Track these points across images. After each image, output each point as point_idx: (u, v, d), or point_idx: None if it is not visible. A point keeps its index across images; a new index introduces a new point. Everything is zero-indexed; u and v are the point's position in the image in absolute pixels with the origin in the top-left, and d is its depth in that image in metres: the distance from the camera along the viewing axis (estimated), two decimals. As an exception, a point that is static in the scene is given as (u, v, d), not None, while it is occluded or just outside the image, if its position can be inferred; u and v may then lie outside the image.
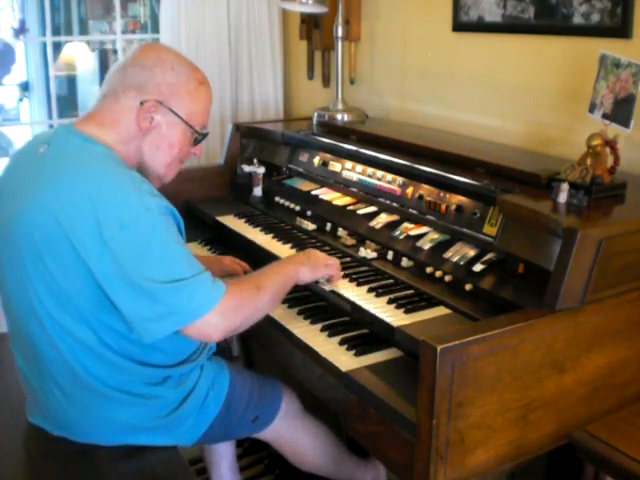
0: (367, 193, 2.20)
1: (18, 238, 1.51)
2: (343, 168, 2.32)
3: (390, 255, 1.92)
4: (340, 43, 2.73)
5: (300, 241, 2.14)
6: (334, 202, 2.27)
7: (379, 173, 2.18)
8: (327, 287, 1.79)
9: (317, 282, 1.80)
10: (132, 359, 1.57)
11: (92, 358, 1.55)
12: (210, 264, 2.02)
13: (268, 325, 1.77)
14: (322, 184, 2.39)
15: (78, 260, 1.45)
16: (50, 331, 1.54)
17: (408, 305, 1.67)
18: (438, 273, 1.77)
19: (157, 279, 1.44)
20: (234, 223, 2.36)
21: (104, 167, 1.51)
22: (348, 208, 2.21)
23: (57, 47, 5.13)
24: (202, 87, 1.67)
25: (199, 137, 1.70)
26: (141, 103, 1.58)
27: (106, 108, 1.61)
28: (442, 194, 1.94)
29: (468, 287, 1.67)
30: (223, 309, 1.49)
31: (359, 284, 1.81)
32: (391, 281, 1.82)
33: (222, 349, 1.94)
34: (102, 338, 1.54)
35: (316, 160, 2.44)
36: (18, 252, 1.52)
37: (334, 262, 1.81)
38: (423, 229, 1.94)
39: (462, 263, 1.75)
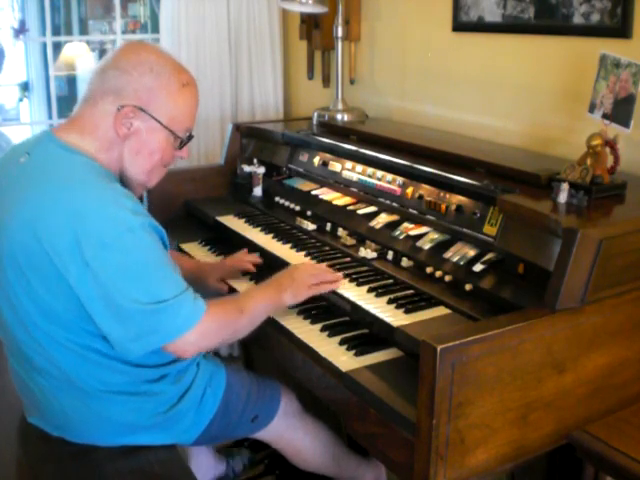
0: (367, 193, 2.20)
1: (0, 253, 1.50)
2: (343, 168, 2.32)
3: (390, 255, 1.91)
4: (340, 43, 2.73)
5: (300, 241, 2.14)
6: (334, 202, 2.27)
7: (379, 173, 2.18)
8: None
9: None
10: (127, 362, 1.57)
11: (86, 364, 1.55)
12: (213, 270, 2.00)
13: (268, 325, 1.76)
14: (322, 184, 2.39)
15: (60, 277, 1.45)
16: (40, 341, 1.54)
17: (408, 305, 1.67)
18: (438, 273, 1.76)
19: (138, 300, 1.43)
20: (234, 223, 2.36)
21: (86, 181, 1.48)
22: (348, 208, 2.21)
23: (57, 47, 5.13)
24: (185, 89, 1.60)
25: (183, 141, 1.65)
26: (118, 109, 1.53)
27: (86, 113, 1.57)
28: (442, 194, 1.94)
29: (468, 287, 1.67)
30: (202, 329, 1.49)
31: (359, 284, 1.81)
32: (391, 281, 1.82)
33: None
34: (93, 346, 1.53)
35: (316, 160, 2.44)
36: (1, 267, 1.51)
37: (318, 278, 1.75)
38: (423, 229, 1.94)
39: (462, 263, 1.75)
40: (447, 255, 1.81)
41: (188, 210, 2.63)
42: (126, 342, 1.47)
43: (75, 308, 1.48)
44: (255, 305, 1.64)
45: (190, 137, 1.67)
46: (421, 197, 2.00)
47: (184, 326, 1.47)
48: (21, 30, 4.49)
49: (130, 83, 1.54)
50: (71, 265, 1.42)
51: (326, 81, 3.13)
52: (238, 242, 2.27)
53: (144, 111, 1.55)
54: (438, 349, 1.26)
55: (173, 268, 1.53)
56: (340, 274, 1.82)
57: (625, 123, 1.65)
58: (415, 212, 2.01)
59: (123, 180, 1.60)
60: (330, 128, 2.63)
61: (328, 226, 2.18)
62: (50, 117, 3.71)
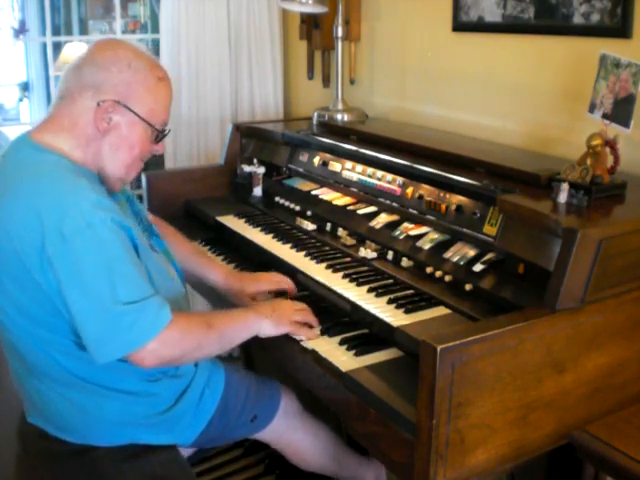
0: (367, 193, 2.20)
1: None
2: (343, 168, 2.32)
3: (390, 255, 1.91)
4: (340, 43, 2.73)
5: (300, 241, 2.14)
6: (334, 202, 2.27)
7: (379, 173, 2.18)
8: (308, 345, 1.67)
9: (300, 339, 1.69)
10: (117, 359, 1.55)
11: (75, 361, 1.55)
12: (242, 287, 1.91)
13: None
14: (322, 184, 2.39)
15: (29, 277, 1.45)
16: (27, 341, 1.54)
17: (408, 305, 1.67)
18: (438, 273, 1.76)
19: (95, 304, 1.41)
20: (234, 223, 2.36)
21: (50, 177, 1.48)
22: (348, 208, 2.21)
23: (57, 47, 5.12)
24: (161, 83, 1.62)
25: (160, 135, 1.66)
26: (98, 104, 1.54)
27: (63, 111, 1.57)
28: (442, 194, 1.94)
29: (468, 287, 1.67)
30: (164, 338, 1.46)
31: (359, 284, 1.81)
32: (391, 281, 1.82)
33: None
34: (78, 342, 1.52)
35: (316, 160, 2.44)
36: None
37: (302, 316, 1.71)
38: (423, 229, 1.94)
39: (462, 263, 1.75)
40: (447, 255, 1.81)
41: (188, 210, 2.63)
42: (88, 346, 1.45)
43: (52, 309, 1.47)
44: (226, 324, 1.62)
45: (166, 131, 1.68)
46: (421, 197, 2.00)
47: (144, 335, 1.44)
48: (21, 30, 4.49)
49: (109, 79, 1.55)
50: (38, 265, 1.43)
51: (326, 81, 3.13)
52: (238, 242, 2.27)
53: (123, 105, 1.56)
54: (438, 349, 1.26)
55: (139, 270, 1.49)
56: (315, 331, 1.72)
57: (625, 123, 1.65)
58: (415, 212, 2.01)
59: (101, 176, 1.60)
60: (330, 128, 2.63)
61: (328, 226, 2.18)
62: (50, 117, 3.70)
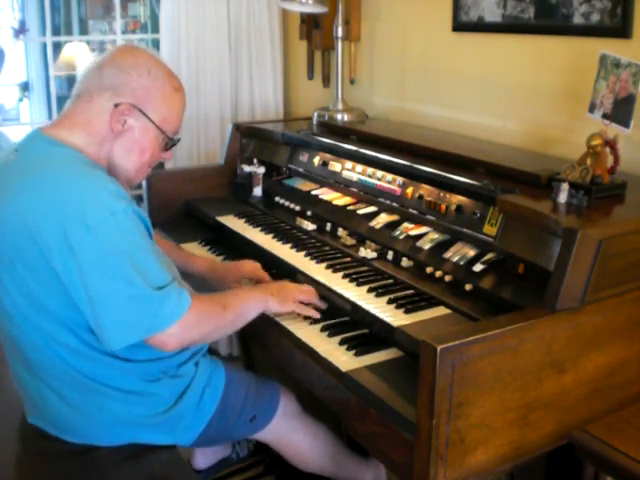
0: (367, 193, 2.20)
1: None
2: (343, 168, 2.32)
3: (390, 255, 1.92)
4: (340, 43, 2.73)
5: (300, 241, 2.14)
6: (334, 202, 2.27)
7: (379, 173, 2.18)
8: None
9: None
10: (117, 357, 1.57)
11: (78, 358, 1.55)
12: (225, 272, 1.99)
13: (268, 325, 1.77)
14: (322, 184, 2.39)
15: (48, 268, 1.45)
16: (32, 336, 1.54)
17: (408, 305, 1.67)
18: (438, 273, 1.77)
19: (118, 289, 1.43)
20: (234, 223, 2.36)
21: (68, 169, 1.50)
22: (348, 208, 2.21)
23: (57, 47, 5.13)
24: (177, 94, 1.66)
25: (170, 143, 1.69)
26: (115, 105, 1.57)
27: (79, 109, 1.59)
28: (442, 194, 1.94)
29: (468, 287, 1.67)
30: (185, 322, 1.50)
31: (359, 284, 1.81)
32: (391, 281, 1.82)
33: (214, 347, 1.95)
34: (83, 338, 1.53)
35: (316, 160, 2.44)
36: None
37: (307, 296, 1.77)
38: (423, 229, 1.94)
39: (462, 263, 1.75)
40: (447, 255, 1.81)
41: (188, 210, 2.63)
42: (105, 332, 1.46)
43: (63, 298, 1.48)
44: (239, 303, 1.67)
45: (176, 140, 1.71)
46: (421, 197, 2.00)
47: (167, 320, 1.48)
48: (21, 30, 4.49)
49: (129, 82, 1.58)
50: (57, 253, 1.43)
51: (326, 81, 3.13)
52: (238, 242, 2.27)
53: (139, 110, 1.59)
54: (438, 349, 1.26)
55: (159, 258, 1.53)
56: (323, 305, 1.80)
57: (625, 123, 1.65)
58: (415, 212, 2.01)
59: (111, 175, 1.61)
60: (330, 128, 2.63)
61: (328, 226, 2.18)
62: (50, 117, 3.70)
